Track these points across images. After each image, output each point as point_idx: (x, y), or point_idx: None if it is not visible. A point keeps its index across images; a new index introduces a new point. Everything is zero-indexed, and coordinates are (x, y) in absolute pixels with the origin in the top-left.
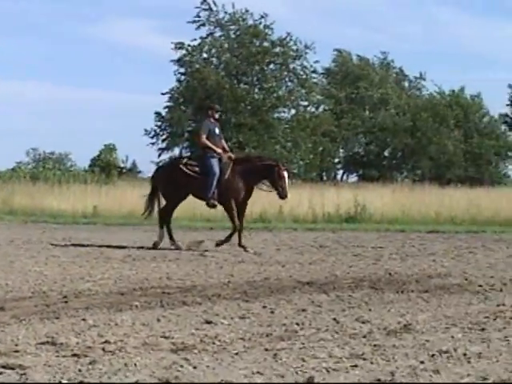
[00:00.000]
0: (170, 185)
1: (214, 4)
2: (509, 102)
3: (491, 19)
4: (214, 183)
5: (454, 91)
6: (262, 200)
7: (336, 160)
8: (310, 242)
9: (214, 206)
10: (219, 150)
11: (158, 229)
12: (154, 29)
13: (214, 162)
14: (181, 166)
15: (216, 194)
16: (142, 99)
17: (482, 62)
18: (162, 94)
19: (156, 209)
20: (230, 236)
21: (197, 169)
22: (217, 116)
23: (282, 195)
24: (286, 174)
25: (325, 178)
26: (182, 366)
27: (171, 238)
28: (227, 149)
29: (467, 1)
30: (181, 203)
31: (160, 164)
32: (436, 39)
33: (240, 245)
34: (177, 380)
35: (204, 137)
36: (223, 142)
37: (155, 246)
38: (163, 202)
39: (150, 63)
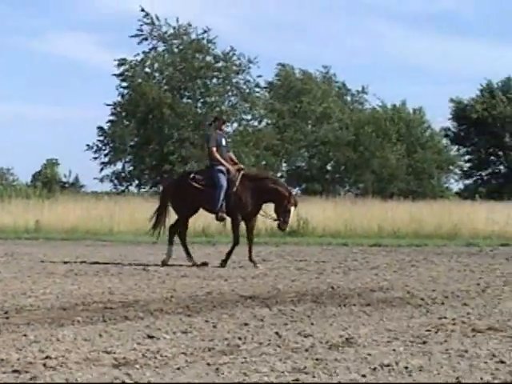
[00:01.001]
0: (178, 199)
1: (157, 18)
2: (451, 116)
3: (433, 33)
4: (222, 196)
5: (395, 105)
6: (205, 214)
7: (279, 174)
8: (253, 257)
9: (222, 219)
10: (227, 164)
11: (167, 246)
12: (96, 43)
13: (222, 175)
14: (189, 179)
15: (224, 206)
16: (85, 114)
17: (424, 75)
18: (106, 104)
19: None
20: (231, 250)
21: (205, 182)
22: (224, 127)
23: (282, 227)
24: (293, 209)
25: None
26: (123, 382)
27: (188, 254)
28: (235, 160)
29: (408, 15)
30: (191, 217)
31: (169, 178)
32: (378, 53)
33: (250, 259)
34: None
35: (215, 149)
36: (231, 153)
37: (164, 263)
38: (173, 218)
39: (93, 77)
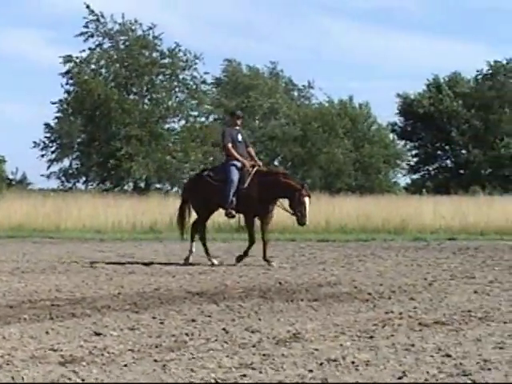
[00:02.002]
0: (196, 196)
1: (102, 16)
2: (398, 111)
3: (378, 29)
4: (232, 191)
5: (342, 100)
6: (153, 210)
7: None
8: (201, 253)
9: (232, 216)
10: (241, 158)
11: (189, 242)
12: (43, 40)
13: (234, 170)
14: (204, 175)
15: (234, 203)
16: (32, 111)
17: (371, 71)
18: (52, 102)
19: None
20: (248, 249)
21: (218, 177)
22: (239, 122)
23: (301, 222)
24: (307, 200)
25: None
26: (69, 379)
27: (207, 252)
28: (254, 156)
29: (354, 11)
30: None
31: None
32: (324, 49)
33: (264, 258)
34: None
35: (230, 145)
36: (250, 149)
37: (186, 261)
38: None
39: (40, 74)
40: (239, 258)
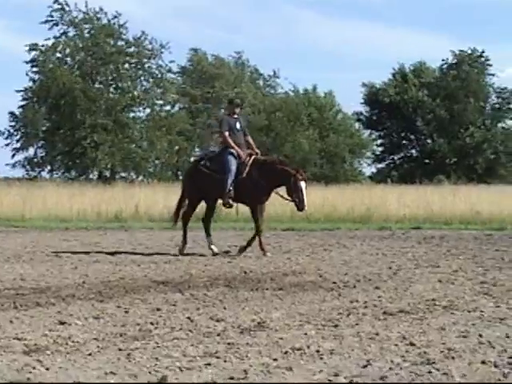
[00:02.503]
0: (192, 185)
1: (67, 4)
2: (363, 100)
3: (343, 19)
4: (230, 181)
5: (307, 90)
6: (117, 199)
7: (192, 159)
8: (166, 242)
9: (230, 206)
10: (237, 148)
11: (206, 237)
12: (6, 28)
13: (231, 160)
14: (199, 165)
15: (232, 193)
16: None
17: (337, 60)
18: (17, 91)
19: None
20: (252, 239)
21: (215, 167)
22: (237, 111)
23: (299, 207)
24: (303, 184)
25: (181, 176)
26: (34, 368)
27: (184, 240)
28: (253, 144)
29: (320, 1)
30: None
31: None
32: (289, 39)
33: (261, 247)
34: (29, 382)
35: (227, 133)
36: (248, 138)
37: (213, 252)
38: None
39: (4, 63)
40: (243, 249)
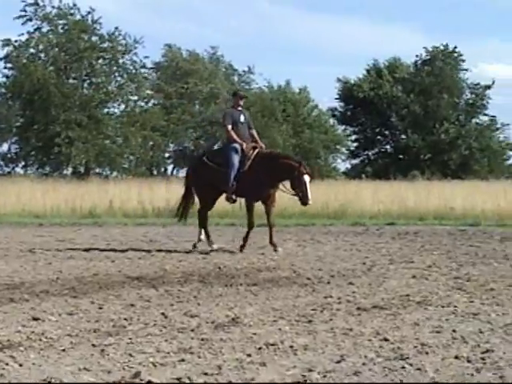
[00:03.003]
0: (198, 181)
1: None
2: (337, 96)
3: (318, 14)
4: (232, 175)
5: (281, 86)
6: (92, 195)
7: (166, 154)
8: (140, 237)
9: (233, 201)
10: (240, 140)
11: (198, 229)
12: None
13: (235, 154)
14: (204, 159)
15: (235, 187)
16: None
17: (311, 56)
18: None
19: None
20: (247, 234)
21: (218, 160)
22: (242, 103)
23: (303, 201)
24: (307, 178)
25: (155, 172)
26: (7, 364)
27: (208, 238)
28: (257, 138)
29: None
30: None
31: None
32: (264, 34)
33: (271, 242)
34: (1, 378)
35: (229, 127)
36: (253, 131)
37: (210, 247)
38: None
39: None
40: (242, 247)
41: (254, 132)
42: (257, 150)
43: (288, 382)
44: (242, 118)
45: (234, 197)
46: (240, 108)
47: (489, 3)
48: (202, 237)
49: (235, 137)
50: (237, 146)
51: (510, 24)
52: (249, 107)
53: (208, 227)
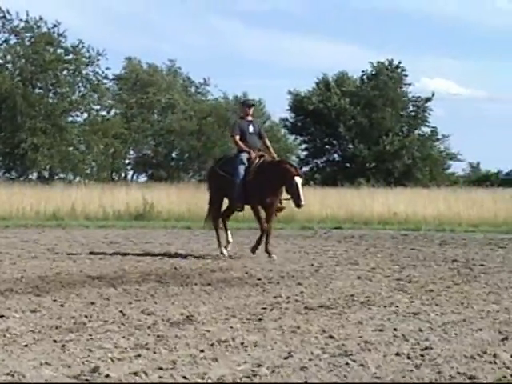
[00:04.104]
0: (211, 187)
1: (8, 13)
2: (289, 107)
3: (269, 30)
4: (237, 184)
5: (237, 97)
6: (56, 199)
7: (126, 161)
8: (101, 239)
9: (241, 210)
10: (247, 149)
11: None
12: None
13: (240, 163)
14: (214, 166)
15: (241, 195)
16: None
17: (264, 69)
18: None
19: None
20: (260, 238)
21: (228, 169)
22: (251, 112)
23: (296, 203)
24: (298, 180)
25: (116, 177)
26: None
27: (219, 241)
28: (269, 147)
29: (246, 14)
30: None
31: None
32: (219, 48)
33: (266, 250)
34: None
35: (237, 138)
36: (266, 140)
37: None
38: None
39: None
40: (253, 249)
41: (267, 141)
42: (262, 159)
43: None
44: (250, 129)
45: (239, 205)
46: (250, 118)
47: (430, 22)
48: (230, 238)
49: (243, 146)
50: (244, 155)
51: (450, 41)
52: (205, 117)
53: (222, 232)
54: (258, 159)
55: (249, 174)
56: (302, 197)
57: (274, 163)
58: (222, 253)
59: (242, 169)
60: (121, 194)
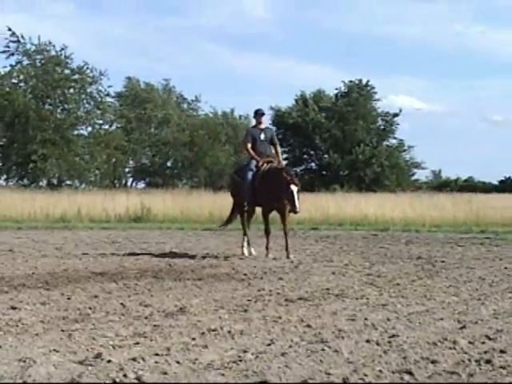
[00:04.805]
0: (232, 191)
1: (22, 37)
2: (271, 121)
3: (254, 52)
4: (246, 189)
5: (225, 112)
6: (63, 203)
7: (126, 169)
8: (104, 239)
9: (249, 212)
10: (256, 157)
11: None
12: None
13: (249, 169)
14: (233, 173)
15: (252, 198)
16: None
17: (249, 87)
18: None
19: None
20: (267, 239)
21: (241, 175)
22: (262, 120)
23: (291, 210)
24: (294, 188)
25: (117, 184)
26: None
27: (243, 242)
28: (278, 153)
29: (234, 37)
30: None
31: None
32: (209, 69)
33: (286, 250)
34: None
35: (248, 145)
36: (277, 147)
37: (245, 254)
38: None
39: None
40: (267, 252)
41: (278, 148)
42: (269, 165)
43: None
44: (262, 136)
45: (246, 208)
46: (262, 126)
47: (396, 45)
48: (244, 247)
49: (252, 153)
50: (253, 162)
51: (413, 62)
52: (197, 130)
53: (247, 233)
54: (265, 165)
55: (256, 179)
56: (297, 204)
57: (276, 171)
58: (242, 253)
59: (250, 174)
60: (121, 199)
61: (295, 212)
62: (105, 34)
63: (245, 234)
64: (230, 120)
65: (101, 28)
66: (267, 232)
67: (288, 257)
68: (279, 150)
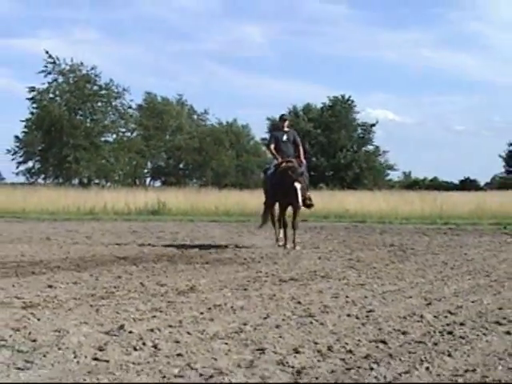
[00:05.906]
0: (264, 190)
1: (58, 59)
2: (267, 130)
3: (252, 72)
4: (267, 185)
5: (228, 122)
6: (92, 199)
7: (145, 170)
8: (126, 229)
9: (269, 209)
10: (277, 156)
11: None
12: (13, 75)
13: (270, 169)
14: (263, 172)
15: (272, 195)
16: (6, 126)
17: (250, 101)
18: (21, 120)
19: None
20: (284, 232)
21: (267, 173)
22: (286, 124)
23: (294, 206)
24: (297, 185)
25: (137, 183)
26: (29, 319)
27: (278, 235)
28: (300, 154)
29: (237, 59)
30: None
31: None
32: (216, 86)
33: (293, 241)
34: (24, 329)
35: (272, 146)
36: (300, 147)
37: (282, 245)
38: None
39: (11, 100)
40: (291, 243)
41: (300, 148)
42: (284, 165)
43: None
44: (284, 137)
45: (271, 202)
46: (286, 129)
47: (373, 66)
48: (281, 235)
49: (274, 153)
50: (274, 162)
51: (389, 81)
52: (205, 137)
53: (277, 227)
54: (283, 164)
55: (274, 177)
56: (299, 199)
57: (285, 170)
58: (278, 245)
59: (271, 173)
60: (141, 196)
61: (298, 207)
62: (128, 56)
63: (274, 225)
64: (233, 129)
65: (124, 51)
66: (284, 225)
67: (294, 247)
68: (301, 150)
